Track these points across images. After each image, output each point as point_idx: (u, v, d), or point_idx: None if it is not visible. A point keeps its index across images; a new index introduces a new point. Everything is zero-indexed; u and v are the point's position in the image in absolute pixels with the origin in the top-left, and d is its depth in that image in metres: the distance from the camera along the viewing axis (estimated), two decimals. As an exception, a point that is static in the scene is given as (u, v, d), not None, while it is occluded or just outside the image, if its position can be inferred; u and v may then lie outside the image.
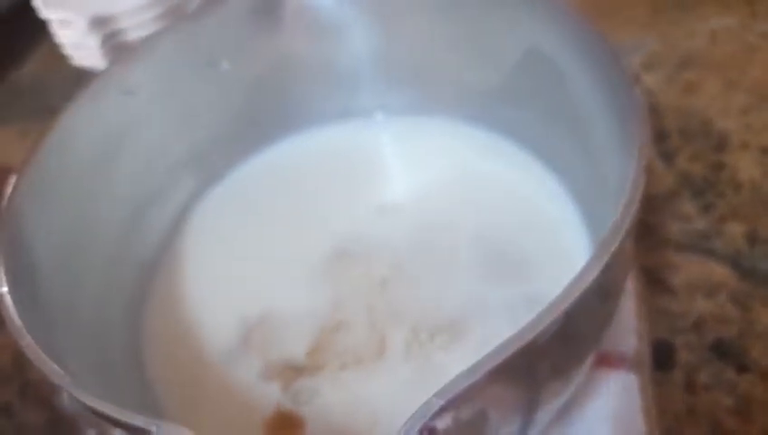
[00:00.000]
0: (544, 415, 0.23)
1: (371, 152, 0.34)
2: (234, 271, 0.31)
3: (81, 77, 0.55)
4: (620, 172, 0.24)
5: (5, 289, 0.22)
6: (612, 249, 0.18)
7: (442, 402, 0.16)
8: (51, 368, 0.19)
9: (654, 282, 0.34)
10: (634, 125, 0.20)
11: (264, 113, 0.34)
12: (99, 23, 0.41)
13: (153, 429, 0.17)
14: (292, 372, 0.28)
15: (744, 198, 0.37)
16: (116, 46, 0.42)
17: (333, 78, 0.34)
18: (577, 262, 0.27)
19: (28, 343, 0.20)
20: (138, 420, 0.17)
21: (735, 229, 0.36)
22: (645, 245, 0.34)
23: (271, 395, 0.27)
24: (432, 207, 0.31)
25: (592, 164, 0.28)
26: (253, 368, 0.28)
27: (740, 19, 0.46)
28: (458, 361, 0.26)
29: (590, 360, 0.23)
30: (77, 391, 0.18)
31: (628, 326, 0.29)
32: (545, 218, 0.30)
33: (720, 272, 0.34)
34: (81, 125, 0.27)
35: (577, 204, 0.29)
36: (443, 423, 0.17)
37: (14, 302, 0.21)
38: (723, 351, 0.31)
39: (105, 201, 0.29)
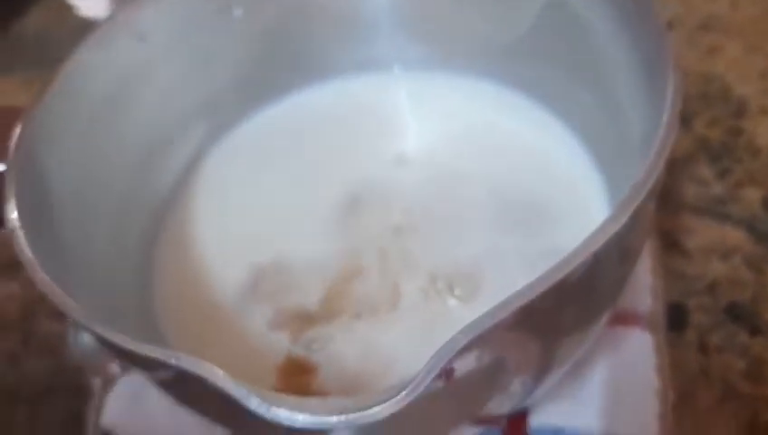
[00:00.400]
0: (558, 369, 0.23)
1: (387, 105, 0.33)
2: (245, 218, 0.30)
3: (87, 28, 0.54)
4: (648, 122, 0.23)
5: (18, 224, 0.21)
6: (643, 195, 0.18)
7: (467, 339, 0.15)
8: (66, 301, 0.19)
9: (669, 244, 0.33)
10: (666, 73, 0.19)
11: (279, 63, 0.33)
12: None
13: (172, 361, 0.17)
14: (303, 320, 0.27)
15: (762, 163, 0.36)
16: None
17: (351, 28, 0.33)
18: (595, 218, 0.27)
19: (41, 277, 0.20)
20: (156, 352, 0.17)
21: (752, 195, 0.35)
22: (661, 207, 0.34)
23: (281, 343, 0.27)
24: (447, 160, 0.30)
25: (614, 121, 0.27)
26: (264, 315, 0.28)
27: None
28: (474, 310, 0.26)
29: (606, 316, 0.23)
30: (93, 322, 0.18)
31: (644, 286, 0.29)
32: (563, 174, 0.29)
33: (735, 236, 0.34)
34: (91, 68, 0.27)
35: (596, 161, 0.29)
36: (462, 365, 0.17)
37: (27, 237, 0.21)
38: (736, 314, 0.31)
39: (116, 144, 0.28)
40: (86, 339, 0.33)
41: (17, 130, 0.24)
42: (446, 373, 0.17)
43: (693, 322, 0.31)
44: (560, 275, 0.16)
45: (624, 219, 0.17)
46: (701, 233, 0.34)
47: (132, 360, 0.20)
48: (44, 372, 0.35)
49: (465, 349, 0.16)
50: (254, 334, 0.27)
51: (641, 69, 0.24)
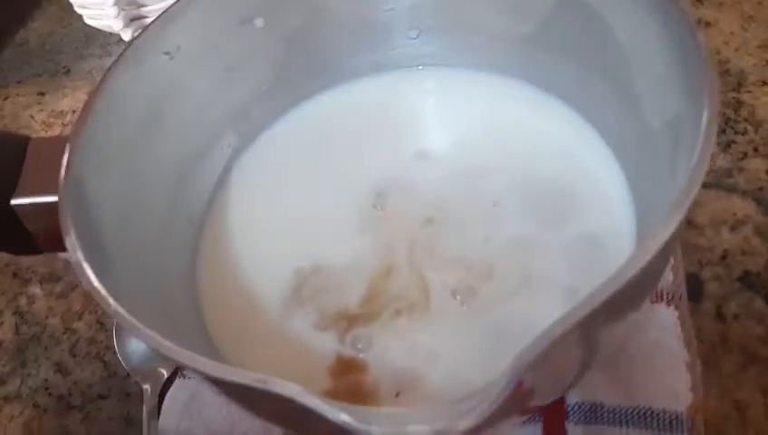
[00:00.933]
0: (605, 352, 0.25)
1: (408, 104, 0.34)
2: (280, 224, 0.32)
3: (91, 37, 0.54)
4: (669, 112, 0.25)
5: (82, 256, 0.22)
6: (690, 198, 0.19)
7: (561, 330, 0.16)
8: (141, 328, 0.20)
9: (681, 220, 0.35)
10: (698, 69, 0.21)
11: (301, 69, 0.34)
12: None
13: (260, 385, 0.18)
14: (346, 320, 0.29)
15: (765, 134, 0.38)
16: (130, 4, 0.41)
17: (367, 31, 0.34)
18: (617, 205, 0.29)
19: (114, 308, 0.21)
20: (245, 378, 0.18)
21: (757, 165, 0.37)
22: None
23: (329, 343, 0.28)
24: (471, 155, 0.32)
25: (631, 112, 0.28)
26: (308, 318, 0.29)
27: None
28: (511, 303, 0.27)
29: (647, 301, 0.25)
30: (177, 352, 0.19)
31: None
32: (583, 165, 0.30)
33: (743, 207, 0.35)
34: (125, 88, 0.27)
35: (614, 151, 0.30)
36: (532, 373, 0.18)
37: (91, 267, 0.22)
38: (750, 282, 0.33)
39: (154, 163, 0.29)
40: (134, 346, 0.34)
41: (65, 160, 0.25)
42: (518, 384, 0.18)
43: (709, 292, 0.33)
44: (628, 275, 0.17)
45: (678, 220, 0.19)
46: (710, 205, 0.36)
47: (211, 380, 0.21)
48: (93, 378, 0.36)
49: (542, 356, 0.17)
50: (301, 337, 0.29)
51: (664, 63, 0.25)
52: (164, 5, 0.30)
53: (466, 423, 0.16)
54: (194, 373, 0.22)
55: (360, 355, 0.28)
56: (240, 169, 0.33)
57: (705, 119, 0.20)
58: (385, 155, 0.33)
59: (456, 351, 0.27)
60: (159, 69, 0.29)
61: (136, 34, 0.28)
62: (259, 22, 0.32)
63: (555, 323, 0.17)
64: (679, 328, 0.28)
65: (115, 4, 0.41)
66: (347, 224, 0.31)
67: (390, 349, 0.28)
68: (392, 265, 0.30)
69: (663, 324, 0.28)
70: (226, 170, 0.33)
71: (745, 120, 0.39)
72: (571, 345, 0.19)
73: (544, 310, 0.26)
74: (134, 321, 0.20)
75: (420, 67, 0.35)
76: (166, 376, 0.33)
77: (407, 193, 0.32)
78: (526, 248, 0.29)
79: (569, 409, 0.28)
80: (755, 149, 0.37)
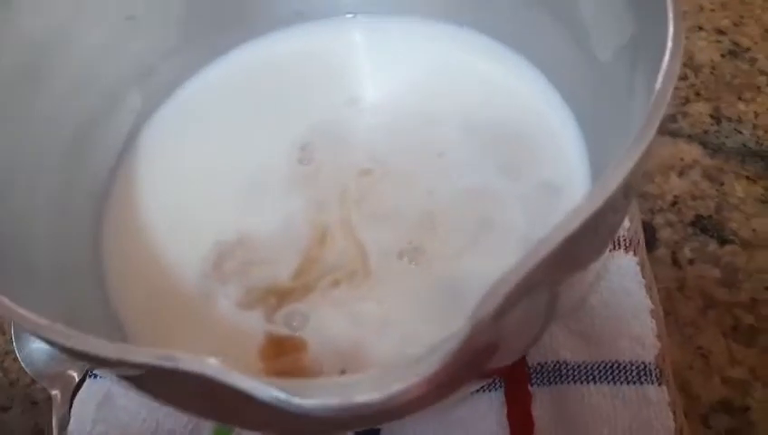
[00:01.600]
0: (566, 306, 0.23)
1: (339, 52, 0.31)
2: (197, 192, 0.28)
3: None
4: (624, 36, 0.23)
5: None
6: (655, 127, 0.17)
7: (517, 279, 0.14)
8: (24, 315, 0.16)
9: (630, 167, 0.34)
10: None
11: (214, 21, 0.30)
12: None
13: (169, 364, 0.14)
14: (275, 296, 0.25)
15: (705, 78, 0.37)
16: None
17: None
18: (568, 151, 0.27)
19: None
20: (150, 357, 0.14)
21: (700, 109, 0.36)
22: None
23: (256, 324, 0.25)
24: (410, 103, 0.29)
25: (580, 45, 0.26)
26: (232, 296, 0.25)
27: None
28: (465, 258, 0.25)
29: (607, 249, 0.23)
30: (60, 334, 0.15)
31: (619, 209, 0.28)
32: (533, 110, 0.28)
33: (690, 151, 0.34)
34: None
35: (564, 95, 0.28)
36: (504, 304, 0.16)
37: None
38: (703, 226, 0.32)
39: (37, 125, 0.25)
40: (36, 347, 0.30)
41: None
42: (479, 332, 0.15)
43: (663, 238, 0.31)
44: (586, 215, 0.15)
45: (637, 156, 0.16)
46: (657, 152, 0.34)
47: (111, 366, 0.17)
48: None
49: (499, 307, 0.14)
50: (225, 318, 0.25)
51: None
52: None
53: (420, 385, 0.13)
54: (93, 364, 0.18)
55: (297, 333, 0.24)
56: (148, 133, 0.29)
57: (670, 29, 0.18)
58: (312, 107, 0.29)
59: (407, 316, 0.24)
60: (38, 11, 0.25)
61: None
62: (164, -39, 0.28)
63: (510, 272, 0.14)
64: (640, 274, 0.27)
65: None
66: (272, 186, 0.28)
67: (330, 323, 0.24)
68: (326, 229, 0.26)
69: (623, 272, 0.27)
70: (132, 136, 0.29)
71: (685, 65, 0.38)
72: (531, 295, 0.17)
73: (502, 263, 0.23)
74: (10, 304, 0.16)
75: (354, 14, 0.32)
76: (77, 379, 0.29)
77: (337, 143, 0.28)
78: (477, 200, 0.26)
79: (531, 371, 0.26)
80: (697, 93, 0.36)
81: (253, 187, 0.28)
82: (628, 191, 0.18)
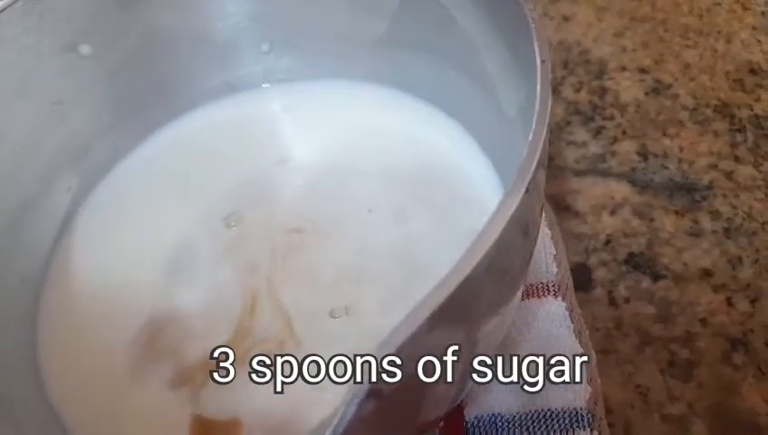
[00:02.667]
0: (486, 352, 0.23)
1: (263, 122, 0.32)
2: (129, 270, 0.28)
3: None
4: (521, 95, 0.24)
5: None
6: (533, 167, 0.17)
7: (386, 353, 0.14)
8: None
9: (560, 208, 0.34)
10: (530, 44, 0.20)
11: (144, 97, 0.31)
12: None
13: None
14: (203, 373, 0.25)
15: (631, 117, 0.38)
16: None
17: (211, 50, 0.31)
18: (490, 198, 0.28)
19: None
20: None
21: (627, 147, 0.37)
22: (546, 174, 0.35)
23: (185, 404, 0.24)
24: (337, 162, 0.30)
25: (489, 100, 0.27)
26: (162, 375, 0.25)
27: (599, -51, 0.47)
28: (394, 316, 0.25)
29: (520, 292, 0.23)
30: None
31: (546, 255, 0.29)
32: (451, 160, 0.29)
33: (619, 189, 0.35)
34: None
35: (480, 142, 0.29)
36: (388, 381, 0.16)
37: None
38: (635, 263, 0.32)
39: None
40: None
41: None
42: (375, 393, 0.16)
43: (598, 278, 0.32)
44: (468, 267, 0.15)
45: (519, 196, 0.17)
46: (587, 192, 0.35)
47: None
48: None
49: (390, 364, 0.15)
50: (155, 399, 0.25)
51: (505, 45, 0.24)
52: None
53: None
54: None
55: (227, 409, 0.24)
56: (83, 213, 0.30)
57: (537, 99, 0.19)
58: (239, 173, 0.30)
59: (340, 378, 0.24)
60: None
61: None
62: (85, 49, 0.29)
63: (400, 324, 0.14)
64: (569, 319, 0.27)
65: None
66: (202, 255, 0.28)
67: (262, 398, 0.24)
68: (256, 295, 0.27)
69: (552, 317, 0.27)
70: (68, 218, 0.29)
71: (611, 105, 0.39)
72: (431, 346, 0.17)
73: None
74: None
75: (272, 83, 0.33)
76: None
77: (265, 205, 0.29)
78: (406, 252, 0.27)
79: (468, 425, 0.26)
80: (624, 132, 0.38)
81: (183, 258, 0.28)
82: (518, 229, 0.19)
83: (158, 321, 0.26)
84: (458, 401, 0.25)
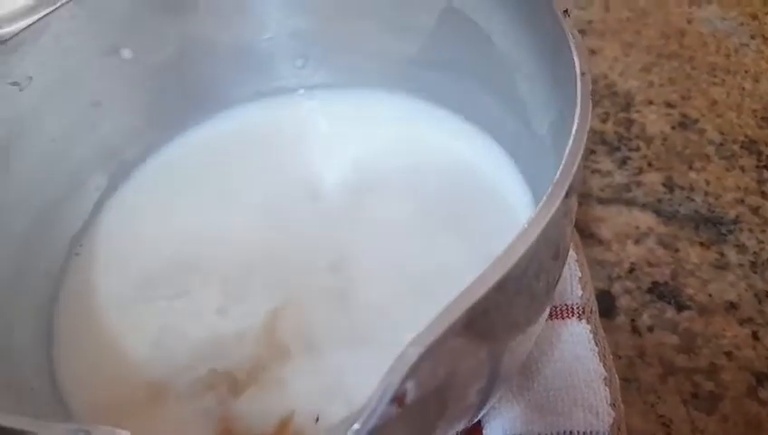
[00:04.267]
0: (508, 374, 0.23)
1: (294, 131, 0.32)
2: (151, 269, 0.28)
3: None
4: (555, 114, 0.24)
5: None
6: (566, 187, 0.17)
7: (420, 351, 0.14)
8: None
9: (585, 236, 0.34)
10: (569, 63, 0.20)
11: (176, 102, 0.31)
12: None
13: None
14: (229, 385, 0.25)
15: (657, 149, 0.38)
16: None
17: (247, 59, 0.32)
18: (520, 215, 0.28)
19: None
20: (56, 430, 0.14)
21: (653, 179, 0.37)
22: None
23: (208, 414, 0.24)
24: (366, 170, 0.30)
25: (521, 119, 0.28)
26: (183, 384, 0.25)
27: (628, -13, 0.48)
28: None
29: (546, 312, 0.23)
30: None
31: (572, 278, 0.29)
32: (487, 181, 0.29)
33: (644, 219, 0.35)
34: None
35: (514, 161, 0.29)
36: (415, 384, 0.16)
37: None
38: (660, 292, 0.32)
39: (3, 204, 0.26)
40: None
41: None
42: (399, 398, 0.15)
43: (621, 306, 0.32)
44: (501, 272, 0.15)
45: (551, 213, 0.17)
46: (612, 220, 0.35)
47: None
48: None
49: (419, 363, 0.15)
50: (176, 408, 0.25)
51: (540, 62, 0.24)
52: (10, 30, 0.27)
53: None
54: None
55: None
56: (109, 212, 0.30)
57: (577, 110, 0.19)
58: (268, 181, 0.30)
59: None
60: (6, 101, 0.26)
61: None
62: (126, 52, 0.30)
63: (432, 323, 0.14)
64: (593, 342, 0.27)
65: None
66: (222, 260, 0.28)
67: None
68: (279, 310, 0.26)
69: (576, 339, 0.27)
70: (94, 214, 0.30)
71: (637, 136, 0.39)
72: (458, 354, 0.17)
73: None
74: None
75: (306, 91, 0.33)
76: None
77: (289, 219, 0.29)
78: (444, 274, 0.27)
79: (488, 443, 0.25)
80: (650, 164, 0.38)
81: (204, 260, 0.28)
82: (549, 250, 0.19)
83: (177, 335, 0.26)
84: (478, 418, 0.25)
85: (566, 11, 0.21)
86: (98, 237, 0.29)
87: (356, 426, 0.14)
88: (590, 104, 0.19)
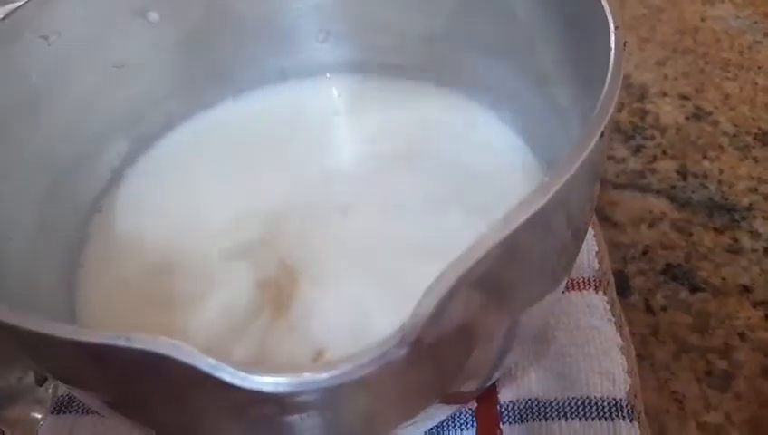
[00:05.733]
0: (523, 338, 0.23)
1: (319, 111, 0.32)
2: (172, 242, 0.28)
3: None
4: (579, 82, 0.24)
5: None
6: (603, 126, 0.17)
7: (455, 278, 0.14)
8: None
9: (600, 218, 0.34)
10: (600, 13, 0.20)
11: (201, 73, 0.32)
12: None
13: (122, 343, 0.14)
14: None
15: (671, 138, 0.39)
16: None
17: (273, 31, 0.32)
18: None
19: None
20: (100, 337, 0.14)
21: (667, 166, 0.37)
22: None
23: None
24: (384, 152, 0.30)
25: (544, 94, 0.28)
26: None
27: (643, -15, 0.49)
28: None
29: (564, 280, 0.23)
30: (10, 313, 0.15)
31: (590, 252, 0.29)
32: (498, 160, 0.29)
33: (658, 205, 0.35)
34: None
35: (531, 145, 0.29)
36: (434, 323, 0.16)
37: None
38: (673, 274, 0.32)
39: (25, 161, 0.26)
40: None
41: None
42: (415, 342, 0.15)
43: (635, 286, 0.32)
44: (534, 208, 0.15)
45: (588, 149, 0.17)
46: (627, 205, 0.35)
47: (63, 358, 0.17)
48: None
49: (451, 292, 0.15)
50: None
51: (566, 30, 0.24)
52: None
53: (372, 365, 0.13)
54: (47, 361, 0.18)
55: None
56: (128, 180, 0.30)
57: (612, 58, 0.19)
58: (288, 160, 0.30)
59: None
60: (34, 53, 0.26)
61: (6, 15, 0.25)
62: (153, 16, 0.30)
63: (459, 258, 0.14)
64: (609, 312, 0.27)
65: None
66: (239, 248, 0.28)
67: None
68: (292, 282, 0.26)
69: (592, 310, 0.27)
70: (113, 180, 0.30)
71: (651, 126, 0.39)
72: (477, 307, 0.17)
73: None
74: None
75: (331, 73, 0.34)
76: (40, 421, 0.28)
77: (313, 202, 0.29)
78: (444, 247, 0.27)
79: (501, 409, 0.25)
80: (664, 152, 0.38)
81: (218, 249, 0.28)
82: (568, 219, 0.19)
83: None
84: (492, 380, 0.25)
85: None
86: (116, 204, 0.29)
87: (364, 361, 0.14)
88: (623, 55, 0.19)
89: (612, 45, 0.19)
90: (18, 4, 0.37)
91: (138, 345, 0.14)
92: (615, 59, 0.18)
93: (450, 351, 0.18)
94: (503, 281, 0.18)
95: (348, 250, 0.26)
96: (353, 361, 0.14)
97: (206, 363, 0.14)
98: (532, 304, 0.20)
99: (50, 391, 0.29)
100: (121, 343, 0.14)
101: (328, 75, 0.34)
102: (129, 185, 0.31)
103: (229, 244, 0.27)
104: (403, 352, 0.14)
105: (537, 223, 0.16)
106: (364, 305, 0.24)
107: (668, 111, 0.40)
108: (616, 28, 0.20)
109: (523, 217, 0.15)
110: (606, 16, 0.20)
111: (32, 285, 0.25)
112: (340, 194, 0.29)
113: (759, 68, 0.42)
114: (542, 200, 0.15)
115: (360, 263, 0.25)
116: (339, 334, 0.23)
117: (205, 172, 0.31)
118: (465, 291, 0.15)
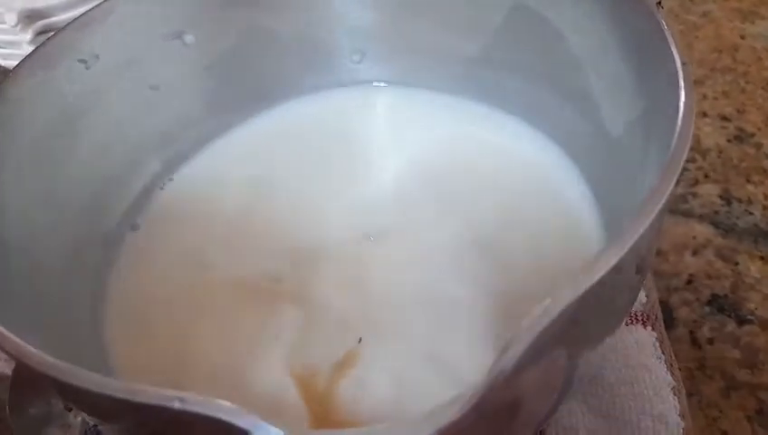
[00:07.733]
0: (581, 379, 0.22)
1: (355, 123, 0.32)
2: (195, 262, 0.28)
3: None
4: (635, 110, 0.23)
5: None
6: (664, 198, 0.16)
7: (534, 335, 0.13)
8: (26, 347, 0.15)
9: (642, 245, 0.33)
10: (667, 50, 0.19)
11: (234, 92, 0.31)
12: (31, 17, 0.37)
13: (176, 404, 0.14)
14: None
15: (713, 161, 0.38)
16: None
17: (309, 52, 0.32)
18: (588, 233, 0.27)
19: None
20: (154, 397, 0.14)
21: (709, 190, 0.36)
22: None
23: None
24: (423, 170, 0.29)
25: (592, 121, 0.27)
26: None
27: (680, 2, 0.48)
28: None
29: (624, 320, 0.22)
30: (62, 369, 0.15)
31: (635, 284, 0.28)
32: (543, 182, 0.28)
33: (702, 231, 0.34)
34: (31, 94, 0.24)
35: (577, 163, 0.28)
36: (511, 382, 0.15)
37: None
38: (719, 305, 0.31)
39: (64, 181, 0.25)
40: (32, 418, 0.29)
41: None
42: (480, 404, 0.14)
43: (680, 317, 0.31)
44: (606, 268, 0.14)
45: (648, 222, 0.16)
46: (670, 231, 0.34)
47: (107, 411, 0.16)
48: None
49: (530, 349, 0.14)
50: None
51: (620, 58, 0.23)
52: (76, 14, 0.27)
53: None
54: (94, 412, 0.17)
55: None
56: (161, 199, 0.30)
57: (682, 97, 0.18)
58: (322, 175, 0.30)
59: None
60: (73, 77, 0.26)
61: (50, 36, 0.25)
62: (189, 38, 0.29)
63: (540, 313, 0.14)
64: (659, 349, 0.26)
65: (32, 42, 0.37)
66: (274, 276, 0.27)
67: None
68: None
69: (641, 347, 0.26)
70: (144, 200, 0.29)
71: (692, 149, 0.38)
72: (549, 356, 0.16)
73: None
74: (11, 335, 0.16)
75: (367, 89, 0.33)
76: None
77: (352, 218, 0.28)
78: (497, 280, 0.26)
79: (549, 448, 0.24)
80: (706, 175, 0.37)
81: (251, 274, 0.27)
82: (639, 261, 0.18)
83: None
84: (545, 425, 0.24)
85: (659, 2, 0.20)
86: (148, 223, 0.29)
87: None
88: (694, 93, 0.18)
89: (681, 85, 0.18)
90: (54, 19, 0.37)
91: (194, 408, 0.13)
92: (686, 101, 0.18)
93: (512, 404, 0.17)
94: (575, 331, 0.17)
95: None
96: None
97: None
98: (595, 347, 0.20)
99: (78, 418, 0.29)
100: (176, 404, 0.14)
101: (359, 88, 0.33)
102: (159, 206, 0.30)
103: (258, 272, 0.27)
104: (471, 414, 0.14)
105: (611, 276, 0.15)
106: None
107: (709, 133, 0.39)
108: (683, 64, 0.19)
109: (599, 274, 0.14)
110: (671, 52, 0.19)
111: (63, 307, 0.24)
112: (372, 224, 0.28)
113: (802, 88, 0.41)
114: (619, 253, 0.15)
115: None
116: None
117: (235, 190, 0.30)
118: (542, 346, 0.14)
